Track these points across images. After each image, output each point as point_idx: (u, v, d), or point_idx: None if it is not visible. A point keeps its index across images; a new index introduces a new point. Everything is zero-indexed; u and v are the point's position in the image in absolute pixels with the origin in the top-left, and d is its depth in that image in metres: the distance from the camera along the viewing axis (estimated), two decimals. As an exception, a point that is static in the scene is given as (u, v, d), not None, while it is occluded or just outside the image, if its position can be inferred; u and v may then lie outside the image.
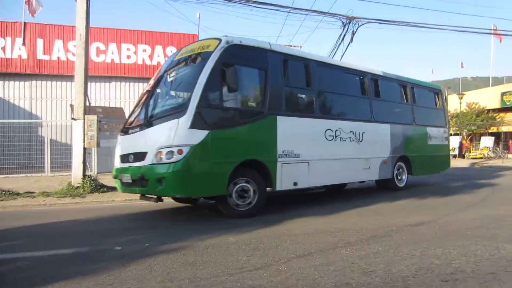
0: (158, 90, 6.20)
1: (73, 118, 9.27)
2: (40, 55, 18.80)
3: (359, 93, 8.19)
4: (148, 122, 5.70)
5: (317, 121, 6.91)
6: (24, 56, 18.56)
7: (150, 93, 6.14)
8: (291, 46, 25.85)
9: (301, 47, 23.83)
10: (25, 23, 18.34)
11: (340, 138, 7.26)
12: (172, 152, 5.14)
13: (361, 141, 7.74)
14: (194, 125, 5.20)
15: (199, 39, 19.16)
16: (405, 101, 9.47)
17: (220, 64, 5.53)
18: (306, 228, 5.14)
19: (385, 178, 8.53)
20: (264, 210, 6.20)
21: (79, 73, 9.29)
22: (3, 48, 18.28)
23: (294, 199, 8.32)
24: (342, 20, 12.98)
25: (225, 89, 5.54)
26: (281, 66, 6.38)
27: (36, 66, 18.89)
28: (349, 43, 13.14)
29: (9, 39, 18.19)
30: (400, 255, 3.76)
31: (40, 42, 18.75)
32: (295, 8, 12.98)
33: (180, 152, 5.11)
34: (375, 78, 8.50)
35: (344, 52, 13.69)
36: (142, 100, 6.26)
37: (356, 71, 8.15)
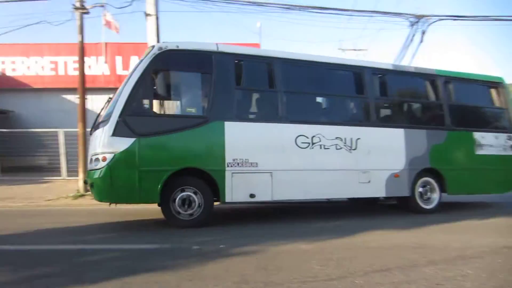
0: (112, 97, 6.14)
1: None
2: (119, 71, 20.61)
3: (352, 91, 7.01)
4: (94, 128, 5.94)
5: (284, 126, 6.05)
6: (107, 72, 20.50)
7: (112, 99, 6.10)
8: (355, 50, 24.92)
9: (366, 50, 22.92)
10: (106, 43, 20.30)
11: (321, 145, 6.21)
12: (98, 159, 5.24)
13: (354, 149, 6.45)
14: (117, 133, 5.17)
15: (261, 47, 19.45)
16: (430, 98, 7.63)
17: (150, 71, 5.45)
18: (383, 241, 4.92)
19: (399, 195, 7.00)
20: (337, 218, 6.07)
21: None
22: (89, 66, 20.49)
23: (368, 210, 8.01)
24: (409, 19, 12.23)
25: (157, 96, 5.58)
26: (232, 68, 5.87)
27: (117, 80, 20.72)
28: (419, 44, 12.30)
29: (93, 58, 20.30)
30: (495, 282, 3.41)
31: (119, 59, 20.57)
32: (358, 11, 12.55)
33: (104, 159, 5.15)
34: (379, 73, 7.08)
35: (415, 54, 12.65)
36: (103, 106, 6.29)
37: (346, 66, 6.96)
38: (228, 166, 5.61)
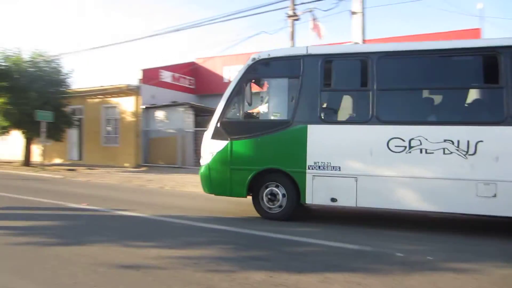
0: None
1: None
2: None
3: (470, 81, 5.58)
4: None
5: (372, 128, 5.43)
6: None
7: None
8: None
9: None
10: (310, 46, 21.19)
11: (421, 149, 5.21)
12: (202, 157, 6.35)
13: (472, 154, 5.04)
14: (215, 136, 6.14)
15: (482, 33, 16.41)
16: None
17: (245, 80, 6.01)
18: None
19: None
20: None
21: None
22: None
23: None
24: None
25: (250, 102, 6.02)
26: (319, 69, 5.69)
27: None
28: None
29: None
30: None
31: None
32: None
33: (207, 158, 6.20)
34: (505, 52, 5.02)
35: None
36: None
37: (467, 49, 5.36)
38: (309, 168, 5.63)
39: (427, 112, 5.64)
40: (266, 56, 6.04)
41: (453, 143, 5.14)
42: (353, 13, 9.81)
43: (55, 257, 3.77)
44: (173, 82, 20.79)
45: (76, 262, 3.63)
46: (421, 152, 5.24)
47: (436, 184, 5.15)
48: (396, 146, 5.33)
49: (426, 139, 5.24)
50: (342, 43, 17.04)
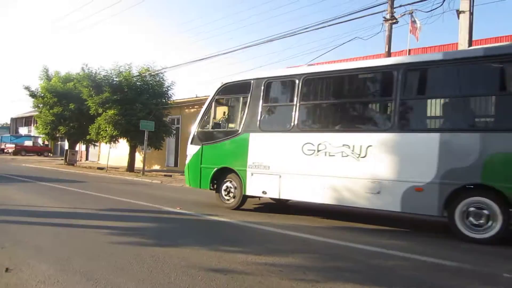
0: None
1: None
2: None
3: (370, 95, 6.73)
4: None
5: (293, 135, 6.76)
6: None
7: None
8: None
9: None
10: (409, 49, 19.81)
11: (326, 152, 6.35)
12: (187, 157, 8.37)
13: (363, 157, 5.98)
14: (193, 142, 8.16)
15: None
16: (482, 90, 5.57)
17: (214, 99, 7.95)
18: None
19: (422, 213, 5.76)
20: None
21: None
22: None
23: None
24: None
25: (212, 117, 7.92)
26: (262, 89, 7.22)
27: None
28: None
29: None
30: None
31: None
32: None
33: (188, 158, 8.27)
34: (406, 69, 5.81)
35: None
36: None
37: (366, 68, 6.50)
38: (248, 167, 7.17)
39: (332, 121, 6.82)
40: (230, 81, 7.89)
41: (349, 147, 6.12)
42: (460, 12, 9.06)
43: (151, 257, 4.07)
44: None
45: (169, 263, 3.87)
46: (325, 154, 6.34)
47: (336, 182, 6.04)
48: (308, 149, 6.53)
49: (330, 144, 6.31)
50: (445, 44, 15.81)
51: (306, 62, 20.26)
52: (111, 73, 18.75)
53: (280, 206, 8.26)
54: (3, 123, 63.86)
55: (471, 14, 9.00)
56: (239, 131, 7.40)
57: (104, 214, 6.88)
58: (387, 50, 10.55)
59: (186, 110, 21.63)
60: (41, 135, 27.64)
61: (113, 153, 21.39)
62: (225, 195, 7.75)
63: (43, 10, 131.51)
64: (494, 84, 5.43)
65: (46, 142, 40.43)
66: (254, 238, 5.30)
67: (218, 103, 8.11)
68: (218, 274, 3.56)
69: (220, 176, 7.76)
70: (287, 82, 7.23)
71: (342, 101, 6.83)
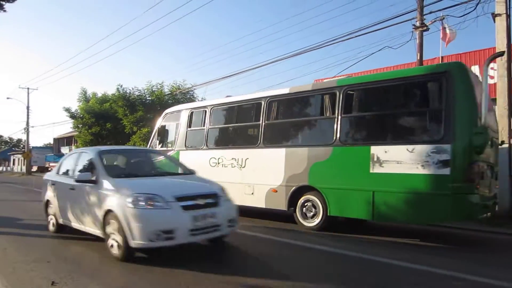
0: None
1: (502, 142, 8.39)
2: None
3: (248, 120, 8.44)
4: None
5: (204, 152, 8.86)
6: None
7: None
8: None
9: None
10: (442, 57, 19.24)
11: (222, 164, 8.41)
12: None
13: (243, 167, 8.02)
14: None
15: None
16: (317, 114, 7.32)
17: (160, 123, 10.09)
18: None
19: (278, 208, 7.48)
20: None
21: (501, 95, 8.68)
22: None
23: None
24: None
25: (163, 138, 10.07)
26: (187, 117, 9.40)
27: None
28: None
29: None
30: None
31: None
32: None
33: None
34: (277, 100, 7.79)
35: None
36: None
37: (246, 100, 8.48)
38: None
39: (226, 141, 8.82)
40: (169, 111, 10.07)
41: (235, 160, 8.13)
42: (496, 15, 8.77)
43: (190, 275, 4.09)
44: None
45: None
46: (222, 166, 8.36)
47: (229, 186, 6.26)
48: (212, 162, 8.56)
49: (225, 158, 8.34)
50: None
51: (336, 73, 20.19)
52: (144, 93, 19.49)
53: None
54: (47, 143, 67.18)
55: (508, 16, 8.66)
56: (174, 149, 9.56)
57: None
58: (418, 58, 10.27)
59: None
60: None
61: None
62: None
63: (79, 39, 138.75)
64: (316, 110, 7.33)
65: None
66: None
67: (162, 126, 10.10)
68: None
69: None
70: (201, 112, 9.18)
71: (232, 125, 8.91)
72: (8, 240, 5.77)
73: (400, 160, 5.82)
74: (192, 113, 9.43)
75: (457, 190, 5.33)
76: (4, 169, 67.23)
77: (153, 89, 19.33)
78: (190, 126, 9.42)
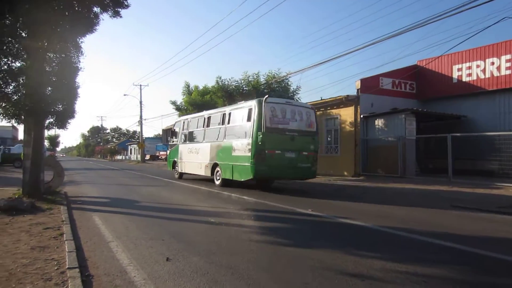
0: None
1: None
2: None
3: (199, 127, 15.15)
4: None
5: (186, 144, 16.06)
6: None
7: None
8: None
9: None
10: None
11: (191, 151, 15.29)
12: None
13: (197, 153, 14.61)
14: (168, 146, 20.36)
15: None
16: (221, 124, 13.29)
17: (171, 130, 19.55)
18: None
19: (208, 176, 13.72)
20: None
21: None
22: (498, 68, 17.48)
23: None
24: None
25: (173, 136, 18.23)
26: (183, 125, 16.76)
27: None
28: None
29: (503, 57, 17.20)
30: None
31: None
32: None
33: (168, 153, 20.03)
34: (208, 116, 14.57)
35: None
36: None
37: (200, 115, 15.66)
38: (179, 159, 16.40)
39: (194, 139, 15.36)
40: (177, 120, 18.05)
41: (195, 149, 14.80)
42: None
43: (286, 256, 4.22)
44: (392, 89, 20.04)
45: (305, 264, 3.95)
46: (191, 152, 15.06)
47: (196, 164, 14.34)
48: (189, 150, 15.40)
49: (194, 148, 14.84)
50: None
51: (444, 51, 18.44)
52: (241, 83, 20.15)
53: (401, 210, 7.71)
54: (156, 134, 74.37)
55: None
56: (177, 143, 16.98)
57: (242, 213, 7.40)
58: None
59: (313, 113, 21.81)
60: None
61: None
62: (175, 171, 17.41)
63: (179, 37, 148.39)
64: (217, 122, 13.70)
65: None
66: (392, 244, 5.01)
67: (173, 130, 18.01)
68: (356, 280, 3.48)
69: (175, 163, 17.31)
70: (185, 121, 16.69)
71: (192, 129, 15.75)
72: (130, 219, 6.55)
73: (240, 148, 11.75)
74: (183, 121, 16.93)
75: (253, 162, 10.99)
76: (123, 158, 76.26)
77: (249, 79, 19.90)
78: (183, 130, 16.73)
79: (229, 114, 12.74)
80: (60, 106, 9.06)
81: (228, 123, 12.66)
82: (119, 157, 78.21)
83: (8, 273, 3.51)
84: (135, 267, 3.80)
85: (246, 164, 11.16)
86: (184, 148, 15.85)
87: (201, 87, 26.63)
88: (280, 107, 11.32)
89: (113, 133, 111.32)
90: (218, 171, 12.86)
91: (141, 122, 48.28)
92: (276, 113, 11.12)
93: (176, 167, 16.85)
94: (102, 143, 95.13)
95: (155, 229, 5.72)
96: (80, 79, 27.62)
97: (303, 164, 11.48)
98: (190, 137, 15.73)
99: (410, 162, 16.75)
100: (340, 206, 8.43)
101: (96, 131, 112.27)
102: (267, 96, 11.36)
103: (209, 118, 14.21)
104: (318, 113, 21.16)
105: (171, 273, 3.63)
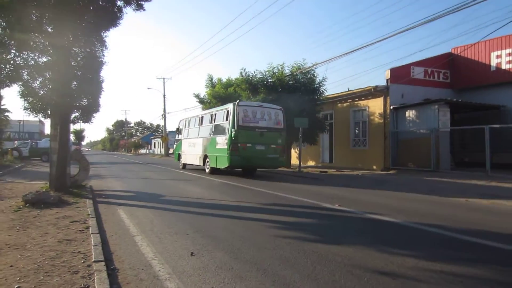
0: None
1: None
2: None
3: (196, 125, 18.37)
4: None
5: (187, 140, 19.23)
6: None
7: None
8: None
9: None
10: None
11: (190, 145, 18.56)
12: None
13: (194, 147, 17.90)
14: (176, 141, 22.79)
15: None
16: (210, 123, 16.58)
17: (178, 128, 22.27)
18: None
19: (201, 165, 17.12)
20: None
21: None
22: None
23: None
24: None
25: (178, 133, 22.74)
26: (185, 122, 20.55)
27: None
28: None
29: None
30: None
31: None
32: None
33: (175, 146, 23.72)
34: (202, 116, 18.21)
35: None
36: None
37: (196, 115, 19.42)
38: (182, 152, 20.12)
39: (192, 135, 18.84)
40: (181, 119, 21.81)
41: (194, 144, 18.15)
42: None
43: (314, 253, 4.17)
44: (424, 78, 19.44)
45: (332, 260, 3.90)
46: (192, 146, 18.31)
47: (194, 156, 17.91)
48: (188, 145, 19.02)
49: (193, 143, 18.30)
50: None
51: (480, 38, 17.80)
52: (265, 75, 20.03)
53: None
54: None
55: None
56: (181, 138, 20.41)
57: (267, 208, 7.40)
58: None
59: (339, 105, 21.43)
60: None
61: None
62: (180, 162, 20.43)
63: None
64: (207, 121, 16.97)
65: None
66: (425, 241, 4.88)
67: (179, 127, 21.19)
68: (386, 278, 3.40)
69: (180, 155, 20.43)
70: (187, 120, 19.92)
71: (195, 126, 18.45)
72: (154, 214, 6.66)
73: (221, 142, 14.85)
74: (186, 120, 20.41)
75: (229, 153, 14.02)
76: (147, 152, 77.84)
77: (274, 71, 19.76)
78: (185, 127, 20.12)
79: (215, 114, 16.27)
80: (85, 101, 9.31)
81: (214, 122, 16.15)
82: (142, 151, 80.00)
83: (36, 265, 3.63)
84: (160, 261, 3.86)
85: (224, 155, 14.52)
86: (186, 143, 19.71)
87: (224, 80, 26.72)
88: (251, 109, 14.71)
89: (137, 127, 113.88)
90: (208, 161, 16.21)
91: (165, 115, 49.04)
92: (247, 114, 14.50)
93: (181, 159, 20.58)
94: (126, 137, 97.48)
95: (179, 223, 5.79)
96: (104, 73, 28.78)
97: (272, 155, 14.73)
98: (190, 134, 19.34)
99: (444, 156, 16.26)
100: (370, 202, 8.28)
101: (120, 125, 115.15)
102: (238, 100, 15.12)
103: (202, 117, 17.90)
104: (344, 104, 20.95)
105: (196, 268, 3.66)
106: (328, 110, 21.88)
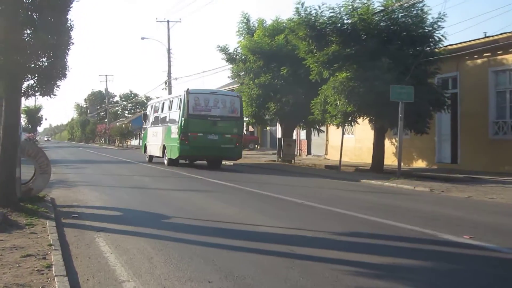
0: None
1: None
2: None
3: (159, 112, 30.23)
4: None
5: (152, 128, 31.48)
6: None
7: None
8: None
9: None
10: None
11: (153, 134, 30.31)
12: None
13: (156, 136, 29.37)
14: (143, 129, 40.40)
15: None
16: (168, 110, 27.23)
17: (144, 114, 37.76)
18: None
19: (160, 156, 27.76)
20: None
21: None
22: None
23: None
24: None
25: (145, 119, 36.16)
26: (151, 109, 33.41)
27: None
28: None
29: None
30: None
31: None
32: None
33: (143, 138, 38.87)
34: (164, 101, 30.54)
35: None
36: None
37: (159, 100, 34.10)
38: (147, 142, 32.58)
39: (156, 122, 31.37)
40: (148, 103, 39.89)
41: (155, 132, 30.94)
42: None
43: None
44: None
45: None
46: (155, 135, 30.41)
47: (156, 146, 29.72)
48: (152, 133, 31.35)
49: (156, 131, 30.41)
50: None
51: None
52: (339, 13, 19.62)
53: None
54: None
55: None
56: (146, 127, 32.49)
57: (344, 240, 7.35)
58: None
59: (468, 62, 20.75)
60: (245, 119, 31.91)
61: (349, 142, 22.57)
62: (146, 155, 31.93)
63: None
64: (165, 109, 29.29)
65: (251, 129, 46.07)
66: None
67: (145, 113, 35.08)
68: None
69: (146, 146, 31.81)
70: (152, 105, 33.68)
71: (158, 113, 30.63)
72: (154, 246, 6.76)
73: (174, 131, 24.91)
74: (152, 105, 32.59)
75: (179, 143, 23.94)
76: (141, 143, 79.23)
77: (355, 6, 19.33)
78: (151, 113, 31.20)
79: (171, 101, 26.49)
80: (44, 59, 9.42)
81: (170, 109, 25.95)
82: (134, 142, 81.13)
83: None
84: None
85: (176, 144, 23.42)
86: (150, 132, 30.32)
87: (269, 22, 26.71)
88: (203, 96, 23.59)
89: (124, 102, 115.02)
90: (166, 152, 25.39)
91: (169, 82, 49.41)
92: (199, 102, 23.16)
93: (147, 151, 30.71)
94: (107, 119, 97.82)
95: (195, 262, 5.83)
96: (74, 15, 30.88)
97: (227, 145, 23.40)
98: (154, 121, 29.91)
99: None
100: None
101: (98, 99, 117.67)
102: (188, 88, 24.09)
103: (163, 104, 28.69)
104: (479, 61, 20.23)
105: None
106: (448, 71, 21.23)
